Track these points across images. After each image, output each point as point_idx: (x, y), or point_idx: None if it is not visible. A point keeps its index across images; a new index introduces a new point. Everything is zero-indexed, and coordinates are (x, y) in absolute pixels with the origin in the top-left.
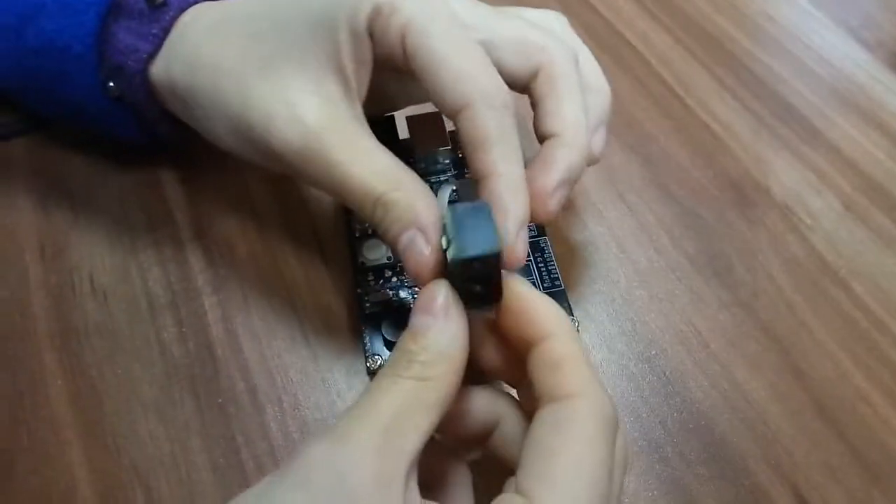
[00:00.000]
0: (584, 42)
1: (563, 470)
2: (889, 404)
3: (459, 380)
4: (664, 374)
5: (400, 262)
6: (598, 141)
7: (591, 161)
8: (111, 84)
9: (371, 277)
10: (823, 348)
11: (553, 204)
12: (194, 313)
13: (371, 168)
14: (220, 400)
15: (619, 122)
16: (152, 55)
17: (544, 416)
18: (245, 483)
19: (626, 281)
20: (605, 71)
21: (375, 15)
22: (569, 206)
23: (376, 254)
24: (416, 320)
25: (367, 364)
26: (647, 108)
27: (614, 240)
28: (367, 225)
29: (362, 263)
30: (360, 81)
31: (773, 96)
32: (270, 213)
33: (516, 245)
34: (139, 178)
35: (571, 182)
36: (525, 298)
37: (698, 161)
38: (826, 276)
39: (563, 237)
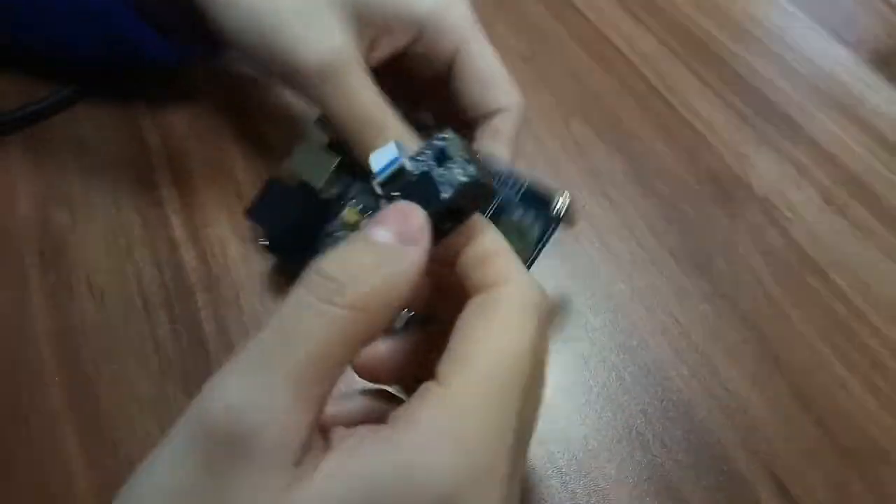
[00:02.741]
0: (569, 44)
1: (480, 353)
2: (867, 391)
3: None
4: (645, 364)
5: None
6: None
7: None
8: None
9: None
10: (802, 338)
11: None
12: (188, 311)
13: (374, 98)
14: None
15: (603, 121)
16: None
17: (471, 305)
18: None
19: (608, 275)
20: (590, 71)
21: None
22: None
23: None
24: (383, 233)
25: None
26: (630, 107)
27: (597, 235)
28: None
29: None
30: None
31: (755, 94)
32: None
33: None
34: (135, 182)
35: None
36: None
37: (681, 157)
38: (805, 267)
39: None
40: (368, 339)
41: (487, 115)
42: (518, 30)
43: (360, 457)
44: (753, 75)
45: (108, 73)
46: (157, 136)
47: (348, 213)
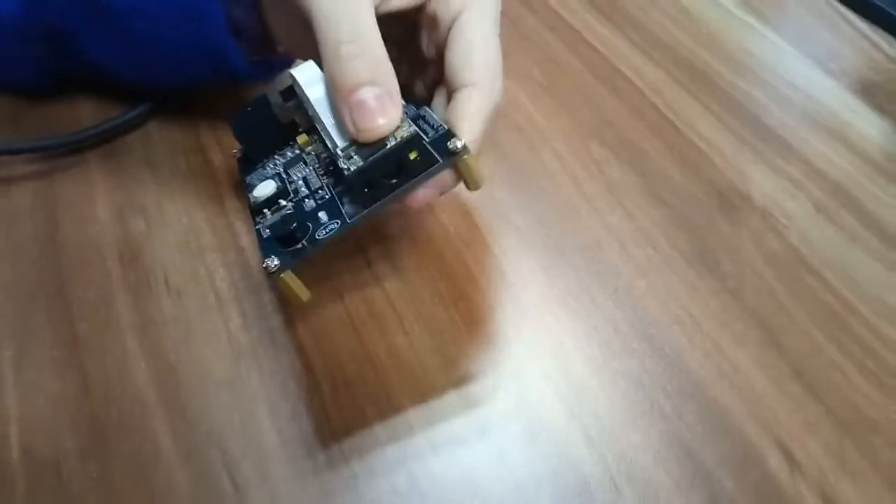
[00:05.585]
0: (584, 75)
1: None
2: (858, 372)
3: None
4: (663, 349)
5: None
6: None
7: None
8: None
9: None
10: (801, 327)
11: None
12: (256, 306)
13: (373, 22)
14: (281, 377)
15: (618, 143)
16: None
17: None
18: (305, 445)
19: (628, 274)
20: (604, 100)
21: None
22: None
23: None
24: None
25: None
26: (641, 130)
27: (616, 240)
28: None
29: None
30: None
31: (752, 118)
32: None
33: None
34: (202, 195)
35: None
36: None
37: (687, 174)
38: (802, 267)
39: (571, 237)
40: None
41: (456, 90)
42: (537, 61)
43: None
44: (750, 102)
45: (186, 89)
46: (220, 154)
47: (300, 138)
